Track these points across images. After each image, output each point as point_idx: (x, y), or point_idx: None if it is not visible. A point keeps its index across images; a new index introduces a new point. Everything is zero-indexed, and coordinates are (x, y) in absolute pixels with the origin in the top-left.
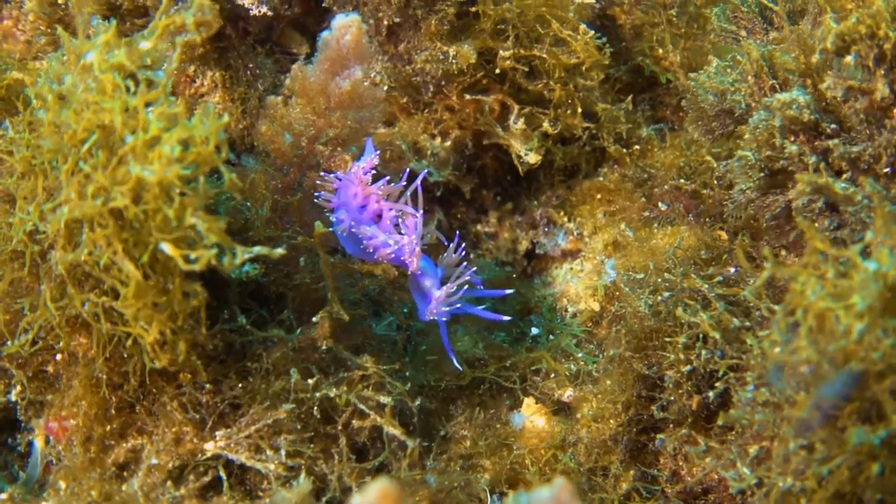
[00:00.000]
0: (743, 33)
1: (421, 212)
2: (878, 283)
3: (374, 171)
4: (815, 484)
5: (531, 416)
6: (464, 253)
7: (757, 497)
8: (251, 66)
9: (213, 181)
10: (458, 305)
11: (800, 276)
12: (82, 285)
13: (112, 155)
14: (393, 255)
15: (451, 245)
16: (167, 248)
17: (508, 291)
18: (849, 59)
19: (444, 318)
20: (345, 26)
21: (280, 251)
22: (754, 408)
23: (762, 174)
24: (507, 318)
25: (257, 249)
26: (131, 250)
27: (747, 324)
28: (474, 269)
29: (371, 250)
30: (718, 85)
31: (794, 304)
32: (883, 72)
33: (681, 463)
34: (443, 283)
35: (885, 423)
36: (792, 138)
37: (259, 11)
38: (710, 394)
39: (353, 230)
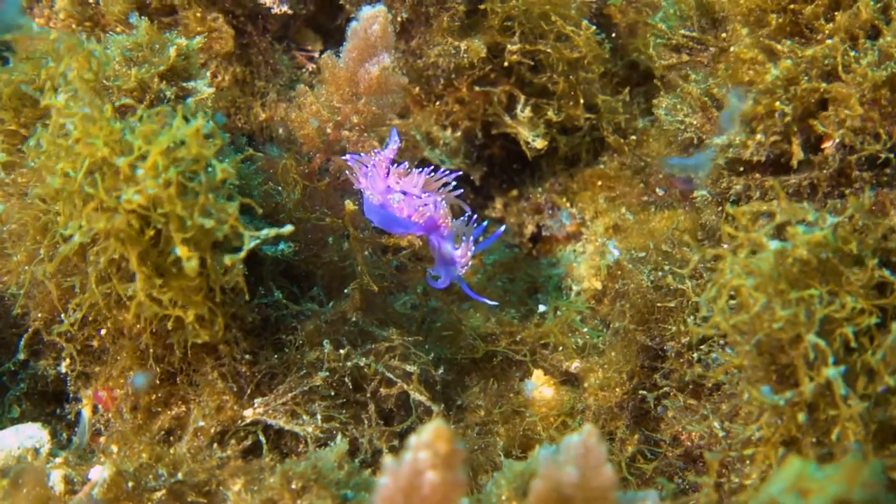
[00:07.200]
0: (685, 57)
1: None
2: (777, 260)
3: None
4: (769, 432)
5: (540, 387)
6: (485, 225)
7: (721, 447)
8: (271, 61)
9: (245, 167)
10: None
11: (727, 258)
12: (123, 275)
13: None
14: (423, 220)
15: (465, 217)
16: (179, 250)
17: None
18: (759, 136)
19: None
20: (373, 16)
21: (289, 228)
22: (723, 368)
23: (719, 208)
24: (492, 303)
25: (264, 233)
26: (149, 256)
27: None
28: (485, 223)
29: (403, 214)
30: (670, 126)
31: (716, 281)
32: (796, 129)
33: (679, 428)
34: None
35: (798, 385)
36: (741, 169)
37: (280, 10)
38: (695, 355)
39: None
